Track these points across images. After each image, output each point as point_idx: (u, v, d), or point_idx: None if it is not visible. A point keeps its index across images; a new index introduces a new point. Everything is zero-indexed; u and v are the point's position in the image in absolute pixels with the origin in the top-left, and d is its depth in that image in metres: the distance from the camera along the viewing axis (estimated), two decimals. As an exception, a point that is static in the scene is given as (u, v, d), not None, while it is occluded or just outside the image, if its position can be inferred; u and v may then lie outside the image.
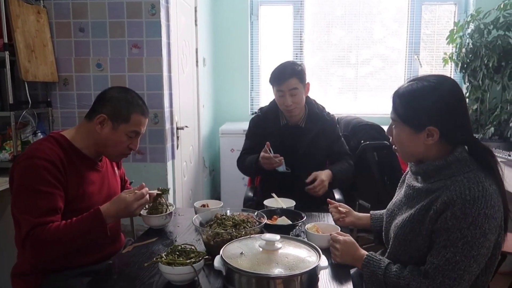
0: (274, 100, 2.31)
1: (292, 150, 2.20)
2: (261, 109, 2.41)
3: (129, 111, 1.53)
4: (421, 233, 1.23)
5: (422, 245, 1.23)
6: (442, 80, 1.25)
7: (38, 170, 1.39)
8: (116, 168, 1.79)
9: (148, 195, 1.53)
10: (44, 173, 1.39)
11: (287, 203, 1.86)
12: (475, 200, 1.13)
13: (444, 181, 1.22)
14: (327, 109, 2.37)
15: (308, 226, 1.54)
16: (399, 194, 1.46)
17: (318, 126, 2.25)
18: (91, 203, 1.51)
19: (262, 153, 2.09)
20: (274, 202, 1.87)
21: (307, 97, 2.27)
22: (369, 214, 1.69)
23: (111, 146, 1.55)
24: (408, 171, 1.45)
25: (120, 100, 1.53)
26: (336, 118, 3.10)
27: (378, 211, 1.68)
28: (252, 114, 2.44)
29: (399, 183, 1.53)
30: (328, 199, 1.80)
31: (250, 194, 2.45)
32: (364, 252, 1.34)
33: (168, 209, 1.71)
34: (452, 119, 1.23)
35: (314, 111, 2.27)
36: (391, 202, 1.49)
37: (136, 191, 1.49)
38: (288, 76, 2.13)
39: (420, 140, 1.24)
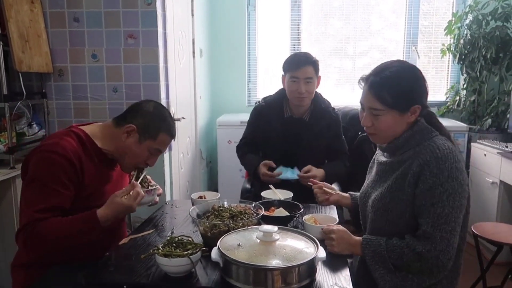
0: (279, 91, 2.28)
1: (294, 142, 2.19)
2: (265, 98, 2.35)
3: (159, 129, 1.52)
4: (401, 199, 1.32)
5: (404, 211, 1.31)
6: (402, 62, 1.40)
7: (54, 167, 1.37)
8: None
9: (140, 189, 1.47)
10: (59, 171, 1.37)
11: (285, 194, 1.86)
12: (445, 156, 1.27)
13: (413, 149, 1.34)
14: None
15: (305, 217, 1.53)
16: (370, 176, 1.53)
17: (323, 123, 2.22)
18: (104, 201, 1.48)
19: (262, 171, 2.11)
20: (272, 193, 1.87)
21: (316, 92, 2.25)
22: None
23: (130, 157, 1.54)
24: (374, 158, 1.57)
25: (153, 116, 1.52)
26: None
27: (356, 193, 1.71)
28: (256, 103, 2.39)
29: (368, 169, 1.60)
30: (311, 179, 1.79)
31: (248, 185, 2.45)
32: (358, 238, 1.37)
33: (150, 186, 1.64)
34: (425, 93, 1.37)
35: (320, 106, 2.24)
36: (363, 187, 1.56)
37: (131, 192, 1.42)
38: (305, 63, 2.12)
39: (405, 119, 1.35)
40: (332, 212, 1.78)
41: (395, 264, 1.27)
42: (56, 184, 1.37)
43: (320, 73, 2.20)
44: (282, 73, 2.22)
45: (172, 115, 1.61)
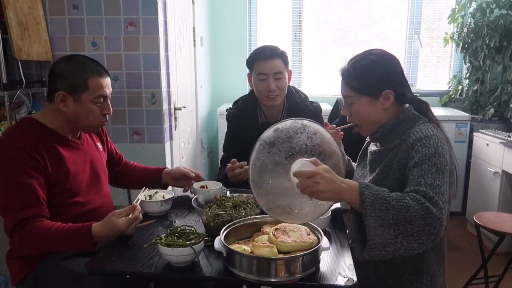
0: (250, 93, 2.08)
1: None
2: (236, 103, 2.13)
3: (84, 78, 1.44)
4: (387, 187, 1.23)
5: None
6: (383, 52, 1.40)
7: (11, 161, 1.35)
8: (99, 143, 1.73)
9: (140, 213, 1.43)
10: (18, 164, 1.35)
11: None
12: (429, 137, 1.24)
13: (399, 138, 1.33)
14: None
15: None
16: (363, 166, 1.52)
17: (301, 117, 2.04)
18: (76, 183, 1.50)
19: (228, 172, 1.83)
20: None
21: (288, 87, 2.01)
22: None
23: (83, 119, 1.49)
24: (364, 147, 1.56)
25: (70, 71, 1.44)
26: (336, 99, 3.04)
27: None
28: (227, 109, 2.18)
29: (358, 159, 1.59)
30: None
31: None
32: (350, 180, 1.19)
33: (164, 196, 1.65)
34: (401, 79, 1.38)
35: (295, 101, 2.02)
36: (354, 175, 1.56)
37: (129, 216, 1.37)
38: (273, 55, 1.90)
39: (379, 106, 1.35)
40: None
41: (396, 216, 1.10)
42: (20, 177, 1.35)
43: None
44: (248, 71, 2.00)
45: (94, 59, 1.51)
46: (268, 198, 1.26)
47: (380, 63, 1.36)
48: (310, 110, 2.03)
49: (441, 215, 1.10)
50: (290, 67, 2.00)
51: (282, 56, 1.92)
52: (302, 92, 2.10)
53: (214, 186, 1.78)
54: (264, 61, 1.90)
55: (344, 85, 1.39)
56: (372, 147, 1.46)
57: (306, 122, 1.26)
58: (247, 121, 2.02)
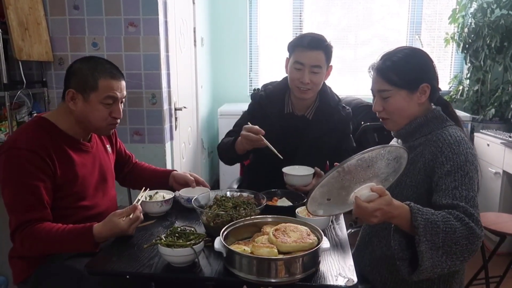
0: (283, 79, 1.94)
1: (294, 143, 1.87)
2: (265, 86, 1.99)
3: (95, 78, 1.44)
4: (408, 185, 1.32)
5: (410, 196, 1.29)
6: (414, 47, 1.42)
7: (19, 161, 1.35)
8: (108, 146, 1.73)
9: (141, 213, 1.42)
10: (25, 165, 1.35)
11: (305, 170, 1.73)
12: (459, 142, 1.25)
13: (425, 137, 1.34)
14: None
15: (298, 210, 1.49)
16: None
17: (330, 123, 1.89)
18: (83, 187, 1.50)
19: (244, 133, 1.70)
20: (291, 169, 1.72)
21: (323, 84, 1.88)
22: None
23: (92, 119, 1.48)
24: None
25: (83, 70, 1.45)
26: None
27: None
28: (255, 89, 2.02)
29: None
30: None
31: (235, 186, 2.28)
32: (400, 204, 1.15)
33: (164, 196, 1.63)
34: (435, 75, 1.37)
35: (327, 103, 1.90)
36: None
37: (130, 216, 1.36)
38: (315, 47, 1.74)
39: (415, 100, 1.35)
40: None
41: (444, 238, 1.11)
42: (28, 178, 1.35)
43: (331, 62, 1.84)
44: (287, 55, 1.86)
45: (111, 62, 1.52)
46: (318, 208, 1.25)
47: (416, 56, 1.37)
48: (341, 116, 1.92)
49: (482, 233, 1.14)
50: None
51: (325, 49, 1.77)
52: (336, 95, 1.97)
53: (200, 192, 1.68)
54: (305, 50, 1.75)
55: (380, 79, 1.37)
56: (393, 143, 1.48)
57: (393, 148, 1.14)
58: (272, 106, 1.91)
